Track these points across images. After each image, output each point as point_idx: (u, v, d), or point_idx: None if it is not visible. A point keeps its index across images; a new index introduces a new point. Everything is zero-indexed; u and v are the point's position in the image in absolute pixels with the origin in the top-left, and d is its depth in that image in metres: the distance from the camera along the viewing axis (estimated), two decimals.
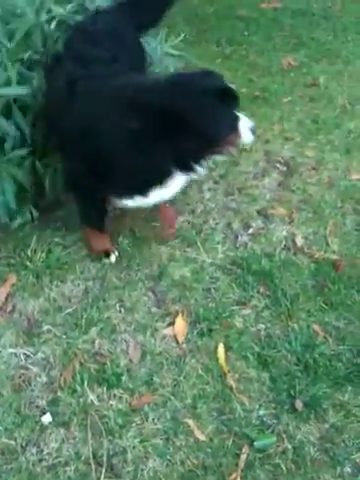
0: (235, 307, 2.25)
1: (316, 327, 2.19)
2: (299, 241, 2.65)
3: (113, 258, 2.40)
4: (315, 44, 5.27)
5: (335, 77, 4.52)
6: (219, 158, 2.23)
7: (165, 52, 2.92)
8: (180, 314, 2.18)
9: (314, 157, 3.35)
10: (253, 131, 2.04)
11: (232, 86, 2.03)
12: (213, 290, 2.31)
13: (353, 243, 2.68)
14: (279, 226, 2.74)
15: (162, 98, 1.85)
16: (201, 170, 1.99)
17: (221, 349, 2.06)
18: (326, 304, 2.30)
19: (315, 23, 5.91)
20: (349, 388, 1.97)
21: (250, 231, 2.67)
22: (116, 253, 2.42)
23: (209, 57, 4.70)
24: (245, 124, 2.03)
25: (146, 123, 1.84)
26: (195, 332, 2.13)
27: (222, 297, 2.29)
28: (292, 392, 1.93)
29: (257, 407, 1.90)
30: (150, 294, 2.27)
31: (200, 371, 1.99)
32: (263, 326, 2.19)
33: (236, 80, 4.25)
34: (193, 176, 2.04)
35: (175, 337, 2.11)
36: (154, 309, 2.21)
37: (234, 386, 1.95)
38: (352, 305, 2.30)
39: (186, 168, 1.96)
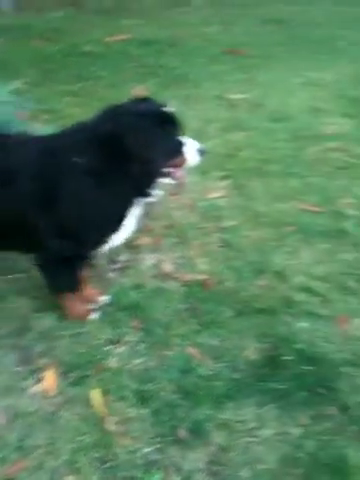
0: (108, 347, 2.17)
1: (192, 350, 2.18)
2: (167, 267, 2.65)
3: (96, 314, 2.31)
4: (164, 71, 5.46)
5: (186, 102, 4.68)
6: (171, 182, 2.22)
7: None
8: (49, 367, 2.05)
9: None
10: (202, 152, 2.12)
11: (171, 110, 2.06)
12: (83, 334, 2.21)
13: (219, 260, 2.74)
14: (146, 255, 2.72)
15: (103, 132, 1.92)
16: (156, 193, 2.08)
17: (97, 395, 1.96)
18: (199, 325, 2.30)
19: (162, 51, 6.14)
20: (230, 405, 1.96)
21: (117, 266, 2.62)
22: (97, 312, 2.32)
23: (57, 96, 4.66)
24: (191, 147, 2.09)
25: (99, 160, 1.93)
26: (67, 383, 2.02)
27: (93, 340, 2.20)
28: (174, 422, 1.88)
29: (141, 446, 1.82)
30: (13, 352, 2.11)
31: (76, 423, 1.87)
32: (139, 361, 2.12)
33: (87, 116, 4.23)
34: (149, 201, 2.12)
35: (46, 392, 1.97)
36: (19, 368, 2.05)
37: (114, 430, 1.85)
38: (224, 321, 2.33)
39: (142, 193, 2.03)
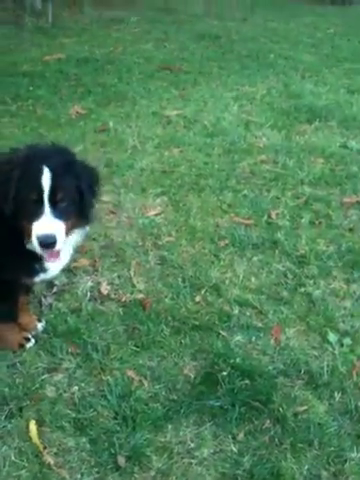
0: (45, 376, 2.15)
1: (131, 373, 2.18)
2: (105, 288, 2.65)
3: (31, 343, 2.26)
4: (101, 89, 5.46)
5: (124, 119, 4.73)
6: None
7: None
8: None
9: (111, 201, 3.42)
10: (45, 243, 1.83)
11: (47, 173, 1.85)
12: (18, 364, 2.18)
13: (157, 278, 2.76)
14: (83, 278, 2.72)
15: None
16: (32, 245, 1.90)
17: (33, 426, 1.93)
18: (138, 346, 2.32)
19: (100, 68, 6.15)
20: (169, 427, 1.99)
21: (54, 290, 2.60)
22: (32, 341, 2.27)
23: None
24: (36, 228, 1.83)
25: None
26: (3, 416, 1.98)
27: (29, 369, 2.17)
28: (113, 450, 1.88)
29: (79, 477, 1.81)
30: None
31: (13, 457, 1.84)
32: (77, 388, 2.11)
33: (26, 136, 4.20)
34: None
35: None
36: None
37: (52, 462, 1.83)
38: (162, 341, 2.35)
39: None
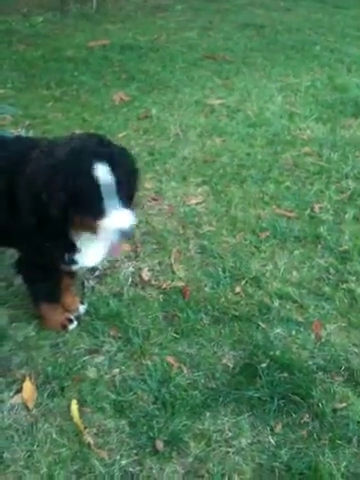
0: (86, 357, 2.18)
1: (170, 359, 2.20)
2: (145, 275, 2.67)
3: (74, 324, 2.32)
4: (145, 76, 5.47)
5: (166, 107, 4.73)
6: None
7: None
8: (27, 378, 2.06)
9: (153, 188, 3.44)
10: (124, 235, 1.83)
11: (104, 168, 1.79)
12: (61, 344, 2.23)
13: (197, 267, 2.77)
14: (125, 263, 2.74)
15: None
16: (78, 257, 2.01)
17: (74, 406, 1.97)
18: (177, 333, 2.33)
19: (144, 56, 6.16)
20: (207, 414, 2.00)
21: (96, 274, 2.63)
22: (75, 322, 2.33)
23: (40, 101, 4.65)
24: (111, 222, 1.79)
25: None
26: (46, 394, 2.02)
27: (72, 349, 2.21)
28: (151, 433, 1.90)
29: (118, 458, 1.84)
30: None
31: (55, 435, 1.89)
32: (117, 370, 2.14)
33: (69, 122, 4.25)
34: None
35: (25, 404, 1.98)
36: None
37: (92, 442, 1.87)
38: (202, 329, 2.36)
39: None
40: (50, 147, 1.90)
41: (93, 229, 1.81)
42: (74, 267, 2.10)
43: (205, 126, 4.33)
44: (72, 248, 2.00)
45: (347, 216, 3.21)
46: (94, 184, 1.75)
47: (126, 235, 1.81)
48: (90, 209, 1.78)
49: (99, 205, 1.77)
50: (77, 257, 2.03)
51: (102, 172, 1.76)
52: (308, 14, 8.55)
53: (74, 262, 2.05)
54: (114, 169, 1.78)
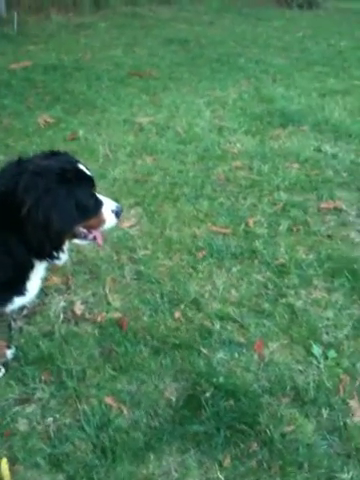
0: (16, 408, 2.01)
1: (109, 400, 2.06)
2: (78, 308, 2.52)
3: (1, 373, 2.13)
4: (70, 97, 5.33)
5: (94, 127, 4.61)
6: (84, 242, 2.01)
7: None
8: None
9: None
10: (118, 213, 1.97)
11: (81, 167, 1.86)
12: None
13: (134, 294, 2.65)
14: (55, 298, 2.58)
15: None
16: (63, 256, 1.88)
17: (5, 465, 1.79)
18: (115, 370, 2.20)
19: (68, 76, 6.02)
20: (151, 457, 1.87)
21: (24, 312, 2.46)
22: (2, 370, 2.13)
23: None
24: (108, 207, 1.94)
25: None
26: None
27: (0, 401, 2.02)
28: None
29: None
30: None
31: None
32: (51, 419, 1.98)
33: None
34: (57, 263, 1.90)
35: None
36: None
37: None
38: (141, 362, 2.24)
39: (44, 257, 1.83)
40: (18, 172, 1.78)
41: (99, 224, 1.94)
42: (13, 305, 1.92)
43: (135, 145, 4.24)
44: (24, 281, 1.87)
45: (281, 228, 3.20)
46: (92, 183, 1.88)
47: (120, 213, 1.99)
48: (91, 205, 1.88)
49: (94, 200, 1.90)
50: (27, 290, 1.90)
51: (84, 167, 1.87)
52: (231, 27, 8.73)
53: (22, 296, 1.90)
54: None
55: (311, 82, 6.08)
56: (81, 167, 1.86)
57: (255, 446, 1.92)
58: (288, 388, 2.15)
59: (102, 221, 1.95)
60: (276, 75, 6.19)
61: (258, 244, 3.02)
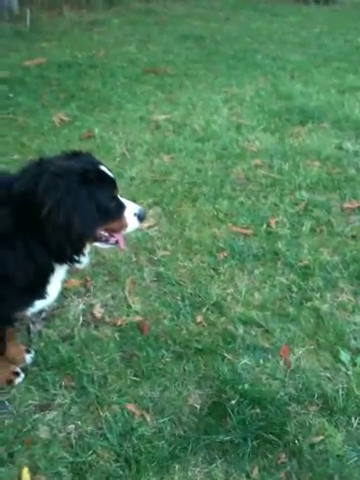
0: (37, 415, 1.95)
1: (131, 407, 2.00)
2: (98, 311, 2.46)
3: (21, 378, 2.07)
4: (85, 94, 5.28)
5: (110, 125, 4.55)
6: (106, 246, 1.94)
7: None
8: None
9: None
10: (141, 216, 1.90)
11: (104, 169, 1.80)
12: (7, 403, 1.98)
13: (154, 297, 2.58)
14: (74, 300, 2.52)
15: (18, 192, 1.65)
16: (84, 260, 1.80)
17: (26, 475, 1.74)
18: (137, 376, 2.14)
19: (83, 73, 5.97)
20: (176, 467, 1.81)
21: (43, 315, 2.40)
22: (22, 375, 2.08)
23: None
24: (131, 210, 1.88)
25: (10, 222, 1.66)
26: None
27: (20, 407, 1.97)
28: None
29: None
30: None
31: None
32: (72, 426, 1.92)
33: (7, 147, 4.00)
34: (78, 266, 1.84)
35: None
36: None
37: None
38: (164, 368, 2.17)
39: (65, 260, 1.77)
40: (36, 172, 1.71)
41: (121, 227, 1.88)
42: (34, 309, 1.87)
43: (151, 143, 4.17)
44: (44, 284, 1.81)
45: (304, 229, 3.12)
46: (114, 185, 1.83)
47: (143, 217, 1.93)
48: (113, 208, 1.82)
49: (116, 202, 1.84)
50: (47, 293, 1.84)
51: (106, 169, 1.81)
52: (247, 23, 8.62)
53: (42, 299, 1.84)
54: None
55: (329, 78, 5.97)
56: (103, 168, 1.80)
57: (283, 457, 1.85)
58: (316, 396, 2.08)
59: (124, 225, 1.88)
60: (294, 71, 6.09)
61: (281, 245, 2.94)
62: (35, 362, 2.14)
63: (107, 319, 2.42)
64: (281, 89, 5.36)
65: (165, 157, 3.95)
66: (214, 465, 1.82)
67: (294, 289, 2.65)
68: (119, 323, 2.39)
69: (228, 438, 1.89)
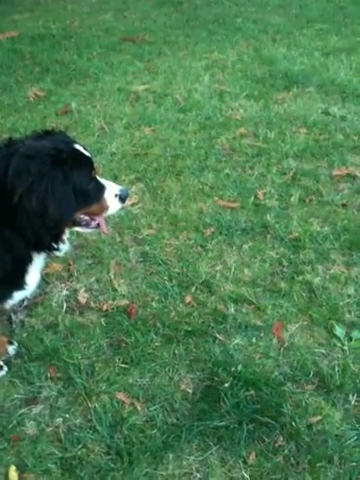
0: (23, 409, 1.87)
1: (120, 396, 1.92)
2: (82, 297, 2.36)
3: (4, 372, 1.98)
4: (60, 67, 5.06)
5: (87, 99, 4.37)
6: (86, 231, 1.84)
7: None
8: None
9: None
10: (122, 197, 1.79)
11: (80, 148, 1.67)
12: None
13: (140, 279, 2.49)
14: (57, 286, 2.42)
15: None
16: (63, 247, 1.71)
17: (13, 473, 1.67)
18: (126, 363, 2.05)
19: (57, 45, 5.72)
20: (170, 456, 1.75)
21: (25, 303, 2.30)
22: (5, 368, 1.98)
23: None
24: (111, 191, 1.76)
25: None
26: None
27: (4, 402, 1.89)
28: None
29: None
30: None
31: None
32: (60, 420, 1.85)
33: None
34: (57, 254, 1.73)
35: None
36: None
37: None
38: (153, 353, 2.09)
39: (43, 248, 1.66)
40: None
41: (101, 210, 1.76)
42: (13, 300, 1.76)
43: (131, 116, 4.01)
44: (23, 274, 1.70)
45: (293, 199, 3.02)
46: (91, 164, 1.69)
47: (125, 197, 1.81)
48: (92, 190, 1.70)
49: (95, 183, 1.72)
50: (26, 284, 1.73)
51: (82, 148, 1.68)
52: None
53: (21, 290, 1.74)
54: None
55: (313, 40, 5.76)
56: (78, 147, 1.66)
57: (281, 440, 1.79)
58: (311, 374, 2.02)
59: (105, 207, 1.77)
60: (276, 34, 5.87)
61: (269, 218, 2.85)
62: (18, 354, 2.05)
63: (92, 304, 2.33)
64: (264, 53, 5.17)
65: (146, 130, 3.80)
66: (209, 452, 1.76)
67: (285, 263, 2.56)
68: (105, 308, 2.30)
69: (223, 423, 1.82)
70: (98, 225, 1.81)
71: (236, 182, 3.18)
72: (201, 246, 2.69)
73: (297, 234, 2.72)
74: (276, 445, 1.77)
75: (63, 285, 2.42)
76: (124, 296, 2.37)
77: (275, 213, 2.89)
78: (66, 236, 1.71)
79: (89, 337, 2.14)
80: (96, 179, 1.73)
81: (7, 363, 2.00)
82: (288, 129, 3.74)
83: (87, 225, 1.79)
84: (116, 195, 1.77)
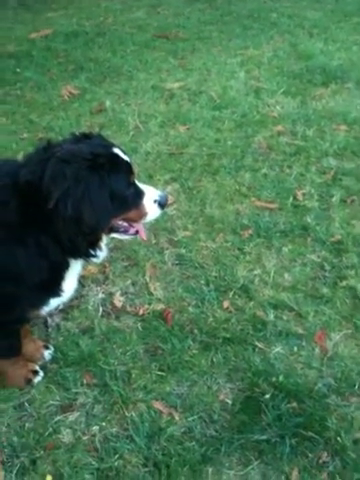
0: (59, 416, 1.84)
1: (158, 405, 1.87)
2: (118, 300, 2.32)
3: (40, 377, 1.94)
4: (94, 65, 5.03)
5: (121, 97, 4.32)
6: (125, 237, 1.80)
7: None
8: None
9: None
10: (162, 203, 1.74)
11: (119, 152, 1.63)
12: (27, 403, 1.87)
13: (177, 282, 2.43)
14: (93, 289, 2.38)
15: (24, 181, 1.50)
16: (101, 254, 1.66)
17: None
18: (162, 370, 2.00)
19: (90, 42, 5.69)
20: (210, 470, 1.69)
21: (61, 307, 2.26)
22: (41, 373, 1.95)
23: None
24: (150, 197, 1.71)
25: (17, 213, 1.50)
26: (14, 471, 1.68)
27: (40, 409, 1.86)
28: None
29: None
30: None
31: None
32: (97, 428, 1.81)
33: (15, 125, 3.82)
34: (94, 261, 1.69)
35: None
36: None
37: None
38: (191, 360, 2.03)
39: (79, 255, 1.62)
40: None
41: (140, 216, 1.71)
42: (49, 307, 1.73)
43: (166, 114, 3.95)
44: (59, 281, 1.68)
45: (334, 200, 2.91)
46: (130, 169, 1.64)
47: (164, 203, 1.76)
48: (130, 195, 1.65)
49: (134, 188, 1.67)
50: (62, 290, 1.70)
51: (120, 152, 1.63)
52: None
53: (57, 297, 1.71)
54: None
55: (350, 35, 5.58)
56: (117, 151, 1.61)
57: (325, 456, 1.70)
58: (357, 386, 1.92)
59: (144, 214, 1.71)
60: (312, 29, 5.71)
61: (309, 219, 2.75)
62: (54, 359, 2.02)
63: (128, 308, 2.28)
64: (300, 48, 5.03)
65: (181, 128, 3.73)
66: (250, 467, 1.69)
67: (327, 267, 2.46)
68: (141, 312, 2.25)
69: (264, 437, 1.75)
70: (137, 232, 1.76)
71: (274, 182, 3.08)
72: (238, 249, 2.61)
73: (339, 237, 2.62)
74: (320, 461, 1.69)
75: (99, 288, 2.38)
76: (160, 300, 2.32)
77: (315, 214, 2.79)
78: (104, 243, 1.66)
79: (125, 342, 2.10)
80: (135, 184, 1.68)
81: (43, 368, 1.97)
82: (327, 126, 3.62)
83: (125, 232, 1.74)
84: (155, 201, 1.71)
